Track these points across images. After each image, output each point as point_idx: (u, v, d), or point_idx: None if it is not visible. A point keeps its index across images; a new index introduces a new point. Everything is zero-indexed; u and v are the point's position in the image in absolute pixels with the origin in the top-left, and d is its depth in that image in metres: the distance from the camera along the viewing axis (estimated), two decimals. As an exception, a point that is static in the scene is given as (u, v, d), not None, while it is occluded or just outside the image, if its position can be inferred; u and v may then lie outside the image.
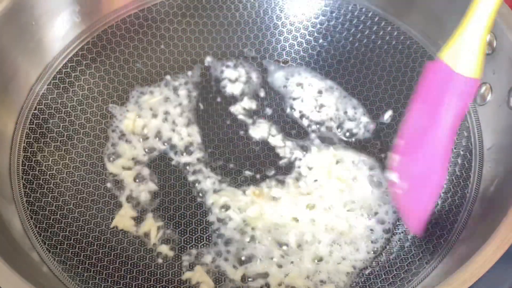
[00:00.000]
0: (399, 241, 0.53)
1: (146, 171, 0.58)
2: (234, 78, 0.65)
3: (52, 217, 0.51)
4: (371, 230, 0.54)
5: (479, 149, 0.52)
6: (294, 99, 0.63)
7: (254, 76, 0.65)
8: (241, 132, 0.61)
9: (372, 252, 0.52)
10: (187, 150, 0.59)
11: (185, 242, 0.53)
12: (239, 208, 0.55)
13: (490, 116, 0.52)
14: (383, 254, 0.52)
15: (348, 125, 0.61)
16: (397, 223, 0.54)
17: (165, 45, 0.64)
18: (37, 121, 0.54)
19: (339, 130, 0.61)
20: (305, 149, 0.60)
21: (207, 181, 0.57)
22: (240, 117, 0.62)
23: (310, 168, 0.58)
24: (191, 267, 0.52)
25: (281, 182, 0.57)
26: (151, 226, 0.54)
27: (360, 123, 0.61)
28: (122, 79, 0.61)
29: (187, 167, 0.58)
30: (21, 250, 0.46)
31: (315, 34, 0.65)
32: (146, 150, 0.59)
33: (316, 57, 0.65)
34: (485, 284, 0.39)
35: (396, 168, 0.50)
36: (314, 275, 0.51)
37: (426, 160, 0.46)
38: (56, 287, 0.46)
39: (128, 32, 0.62)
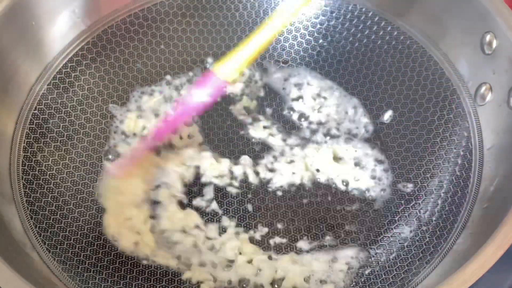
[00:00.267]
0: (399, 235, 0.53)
1: (146, 171, 0.58)
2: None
3: (52, 217, 0.51)
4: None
5: (479, 149, 0.52)
6: (294, 99, 0.63)
7: (254, 76, 0.65)
8: (241, 132, 0.61)
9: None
10: (187, 150, 0.59)
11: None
12: None
13: (490, 116, 0.52)
14: (383, 254, 0.52)
15: (348, 125, 0.61)
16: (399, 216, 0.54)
17: (165, 45, 0.64)
18: (37, 121, 0.54)
19: (339, 130, 0.61)
20: (305, 149, 0.59)
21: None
22: (240, 117, 0.62)
23: (310, 168, 0.58)
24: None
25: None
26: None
27: (360, 123, 0.61)
28: (122, 79, 0.61)
29: (187, 167, 0.58)
30: (21, 250, 0.46)
31: (315, 34, 0.65)
32: (146, 150, 0.59)
33: (316, 57, 0.65)
34: (485, 284, 0.39)
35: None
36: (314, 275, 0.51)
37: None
38: (56, 287, 0.46)
39: (128, 32, 0.62)
